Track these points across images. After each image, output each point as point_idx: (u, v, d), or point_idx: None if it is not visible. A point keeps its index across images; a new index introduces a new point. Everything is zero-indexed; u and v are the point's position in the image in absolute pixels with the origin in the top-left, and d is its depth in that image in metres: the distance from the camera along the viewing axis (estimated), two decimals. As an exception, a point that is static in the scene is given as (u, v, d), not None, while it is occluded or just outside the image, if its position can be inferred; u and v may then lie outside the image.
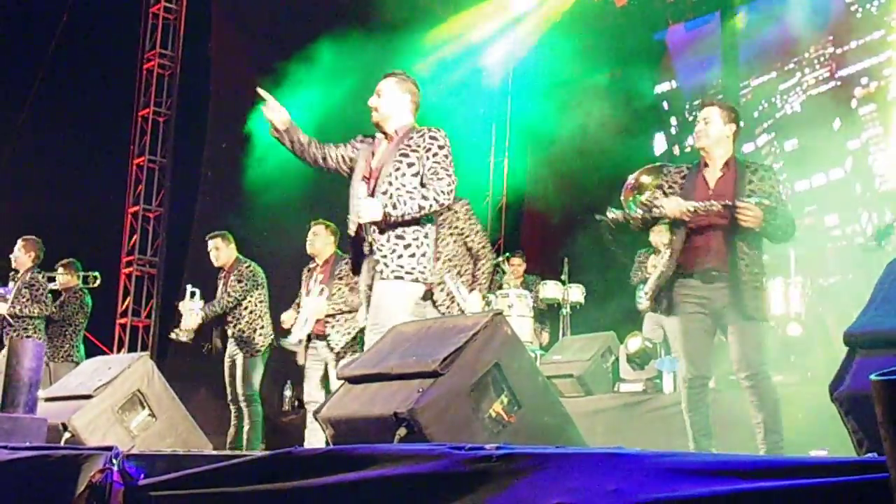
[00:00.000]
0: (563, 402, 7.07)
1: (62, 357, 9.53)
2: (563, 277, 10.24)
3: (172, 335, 8.71)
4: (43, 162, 13.15)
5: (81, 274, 10.06)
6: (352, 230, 5.57)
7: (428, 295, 6.39)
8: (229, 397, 8.67)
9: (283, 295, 8.73)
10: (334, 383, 7.86)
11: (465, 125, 12.40)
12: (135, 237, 13.89)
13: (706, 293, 5.51)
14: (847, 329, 3.30)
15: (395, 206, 5.35)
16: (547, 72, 12.68)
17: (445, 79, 12.68)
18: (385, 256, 5.40)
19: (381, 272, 5.40)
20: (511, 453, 2.04)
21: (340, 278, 8.01)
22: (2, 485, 3.60)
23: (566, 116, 11.97)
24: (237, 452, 4.28)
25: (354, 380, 4.68)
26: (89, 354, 9.95)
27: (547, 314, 10.71)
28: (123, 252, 13.90)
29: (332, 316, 7.94)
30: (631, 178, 5.76)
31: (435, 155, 5.50)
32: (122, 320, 13.75)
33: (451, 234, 7.04)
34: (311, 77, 11.17)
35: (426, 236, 5.51)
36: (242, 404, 8.58)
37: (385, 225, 5.41)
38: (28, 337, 9.08)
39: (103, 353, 12.03)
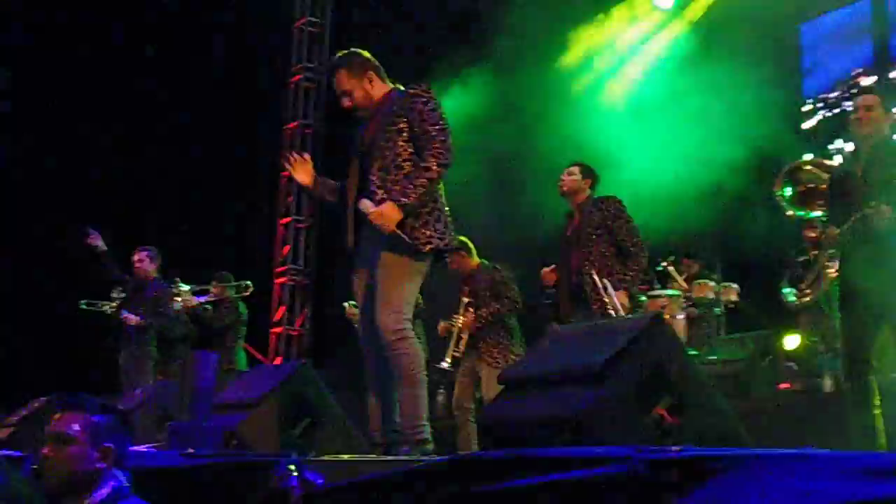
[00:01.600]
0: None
1: (224, 366, 9.73)
2: (715, 277, 10.08)
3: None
4: (195, 176, 13.53)
5: (234, 284, 10.31)
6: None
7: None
8: None
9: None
10: (486, 388, 7.90)
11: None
12: (286, 248, 14.19)
13: None
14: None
15: (405, 194, 4.97)
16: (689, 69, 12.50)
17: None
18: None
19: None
20: (697, 455, 2.03)
21: (483, 289, 8.07)
22: (182, 491, 3.72)
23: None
24: (414, 458, 4.34)
25: (515, 384, 4.70)
26: (248, 365, 10.24)
27: (702, 314, 10.53)
28: (276, 263, 14.21)
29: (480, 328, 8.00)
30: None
31: (421, 113, 5.12)
32: (277, 329, 14.05)
33: (599, 231, 6.99)
34: (456, 91, 11.25)
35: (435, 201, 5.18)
36: None
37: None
38: (146, 348, 9.32)
39: (259, 362, 12.31)
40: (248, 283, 10.35)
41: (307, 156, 5.57)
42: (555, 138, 10.45)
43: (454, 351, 8.07)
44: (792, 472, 1.82)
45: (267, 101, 14.30)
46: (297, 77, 14.34)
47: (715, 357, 8.73)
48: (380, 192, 5.03)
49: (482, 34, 12.39)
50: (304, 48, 14.40)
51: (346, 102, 5.36)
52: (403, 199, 4.97)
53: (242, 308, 10.31)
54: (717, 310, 9.99)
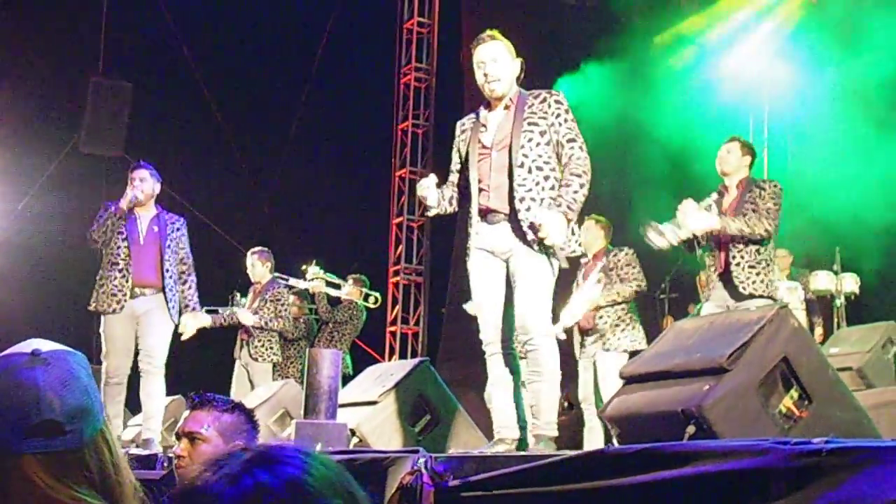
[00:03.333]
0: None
1: None
2: (835, 268, 9.89)
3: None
4: (310, 178, 13.74)
5: (365, 291, 10.44)
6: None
7: None
8: None
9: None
10: (602, 379, 7.84)
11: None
12: (400, 247, 14.31)
13: None
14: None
15: (571, 208, 4.98)
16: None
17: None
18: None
19: None
20: (842, 447, 2.00)
21: (611, 269, 8.02)
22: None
23: (827, 108, 11.59)
24: (546, 452, 4.35)
25: (637, 378, 4.68)
26: (362, 363, 10.33)
27: (819, 306, 10.35)
28: (390, 262, 14.34)
29: (603, 307, 7.96)
30: None
31: (566, 121, 5.14)
32: (392, 328, 14.19)
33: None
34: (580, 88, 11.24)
35: None
36: None
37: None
38: (266, 350, 9.47)
39: (375, 361, 12.44)
40: (378, 295, 10.47)
41: (433, 176, 5.52)
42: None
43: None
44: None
45: (380, 102, 14.45)
46: (408, 77, 14.45)
47: (836, 349, 8.55)
48: (527, 196, 5.05)
49: (589, 30, 12.39)
50: (412, 49, 14.50)
51: (493, 74, 5.16)
52: (571, 213, 5.02)
53: (363, 315, 10.42)
54: (837, 301, 9.81)
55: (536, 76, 12.52)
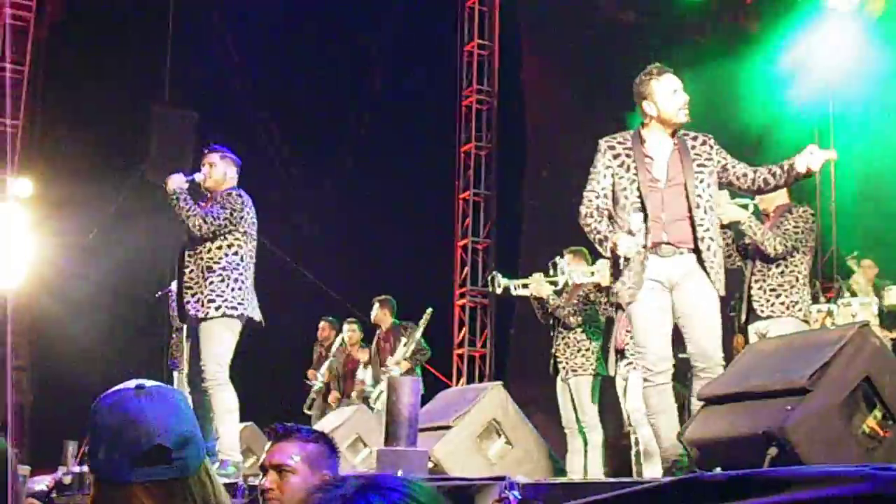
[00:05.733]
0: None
1: None
2: (906, 281, 9.73)
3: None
4: (374, 202, 13.81)
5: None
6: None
7: None
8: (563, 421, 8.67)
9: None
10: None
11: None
12: (465, 269, 14.32)
13: None
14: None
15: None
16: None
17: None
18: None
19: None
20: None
21: None
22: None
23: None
24: (636, 479, 4.34)
25: (715, 400, 4.64)
26: (431, 387, 10.34)
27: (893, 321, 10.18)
28: (456, 284, 14.36)
29: None
30: None
31: (727, 162, 5.48)
32: (460, 351, 14.19)
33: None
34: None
35: None
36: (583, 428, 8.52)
37: None
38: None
39: (444, 385, 12.45)
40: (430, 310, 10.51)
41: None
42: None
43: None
44: None
45: (443, 124, 14.50)
46: (470, 99, 14.49)
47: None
48: (706, 236, 5.31)
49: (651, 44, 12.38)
50: (473, 70, 14.54)
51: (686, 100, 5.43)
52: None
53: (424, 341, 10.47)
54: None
55: (599, 98, 12.60)
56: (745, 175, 5.47)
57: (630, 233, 5.25)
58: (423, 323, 10.15)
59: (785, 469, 2.44)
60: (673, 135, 5.45)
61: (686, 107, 5.39)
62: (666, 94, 5.39)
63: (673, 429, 5.22)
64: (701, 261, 5.29)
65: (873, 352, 4.20)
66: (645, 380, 5.37)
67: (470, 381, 13.75)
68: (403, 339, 10.18)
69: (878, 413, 4.10)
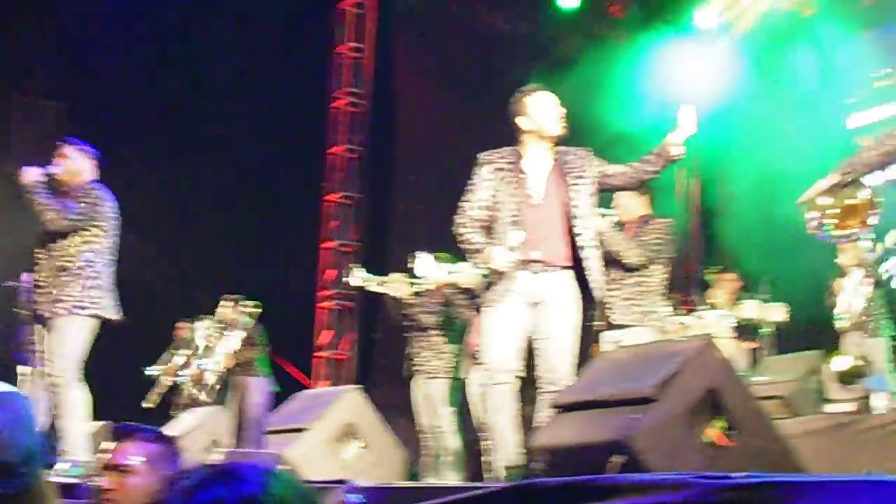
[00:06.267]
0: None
1: None
2: (764, 297, 10.00)
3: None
4: (241, 202, 13.63)
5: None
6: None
7: None
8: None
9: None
10: None
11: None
12: (328, 272, 14.19)
13: None
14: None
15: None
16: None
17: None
18: None
19: None
20: (763, 482, 2.03)
21: None
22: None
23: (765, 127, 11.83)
24: (476, 484, 4.36)
25: (567, 407, 4.71)
26: (291, 388, 10.23)
27: (749, 335, 10.45)
28: (319, 287, 14.23)
29: None
30: None
31: (605, 176, 5.63)
32: (323, 353, 14.08)
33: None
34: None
35: None
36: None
37: None
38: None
39: (305, 387, 12.35)
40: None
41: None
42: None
43: None
44: (858, 499, 1.81)
45: (310, 126, 14.37)
46: (341, 101, 14.40)
47: (764, 378, 8.64)
48: (586, 246, 5.44)
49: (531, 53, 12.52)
50: (345, 73, 14.45)
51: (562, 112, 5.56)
52: None
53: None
54: (765, 329, 9.91)
55: (472, 105, 12.66)
56: (623, 172, 5.63)
57: (511, 249, 5.33)
58: (244, 315, 9.96)
59: (616, 476, 2.48)
60: (551, 149, 5.56)
61: (562, 119, 5.52)
62: (541, 107, 5.53)
63: (511, 431, 5.30)
64: (581, 273, 5.42)
65: (717, 364, 4.30)
66: (485, 381, 5.46)
67: (335, 384, 13.64)
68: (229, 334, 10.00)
69: (721, 423, 4.19)
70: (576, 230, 5.42)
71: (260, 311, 9.91)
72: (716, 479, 2.10)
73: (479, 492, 2.69)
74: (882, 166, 4.97)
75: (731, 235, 12.23)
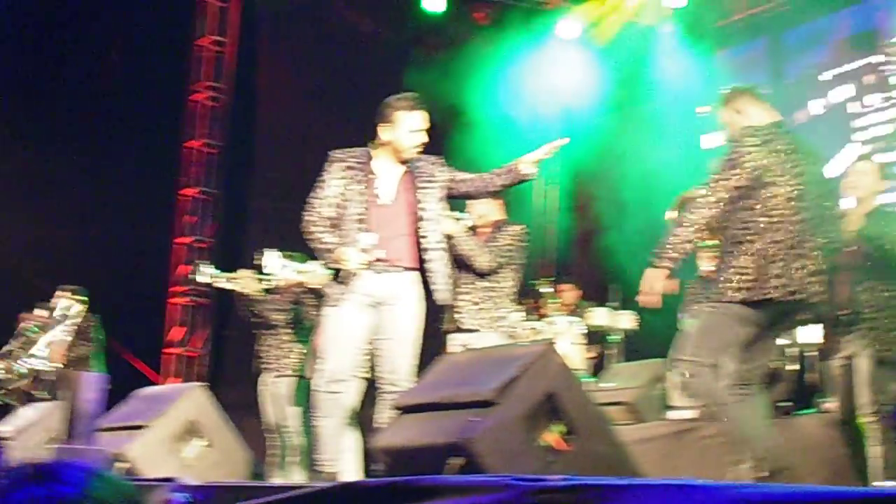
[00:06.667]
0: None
1: None
2: (614, 304, 10.18)
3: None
4: (94, 193, 13.27)
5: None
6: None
7: None
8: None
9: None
10: None
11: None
12: (180, 267, 13.92)
13: None
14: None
15: None
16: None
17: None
18: None
19: None
20: (578, 484, 2.04)
21: None
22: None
23: (613, 141, 12.06)
24: (299, 484, 4.31)
25: (409, 409, 4.70)
26: (138, 385, 10.01)
27: (599, 342, 10.63)
28: (170, 283, 13.96)
29: None
30: None
31: (454, 182, 5.70)
32: (174, 350, 13.82)
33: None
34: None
35: None
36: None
37: None
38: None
39: (154, 383, 12.11)
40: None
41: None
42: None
43: None
44: (672, 501, 1.83)
45: (168, 119, 14.09)
46: (200, 95, 14.15)
47: (611, 384, 8.79)
48: (431, 248, 5.49)
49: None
50: (206, 66, 14.20)
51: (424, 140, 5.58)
52: None
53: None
54: (614, 337, 10.08)
55: (333, 104, 12.58)
56: (472, 180, 5.68)
57: (363, 250, 5.33)
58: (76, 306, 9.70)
59: (437, 478, 2.47)
60: (402, 161, 5.59)
61: (421, 146, 5.55)
62: (408, 129, 5.53)
63: (334, 437, 5.34)
64: (426, 275, 5.45)
65: (558, 369, 4.35)
66: (317, 386, 5.44)
67: (186, 382, 13.39)
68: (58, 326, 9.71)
69: (559, 428, 4.23)
70: (421, 233, 5.46)
71: (87, 302, 9.67)
72: (533, 482, 2.11)
73: (301, 492, 2.66)
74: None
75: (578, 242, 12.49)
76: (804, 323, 5.23)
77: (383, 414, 5.23)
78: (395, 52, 13.01)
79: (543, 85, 13.14)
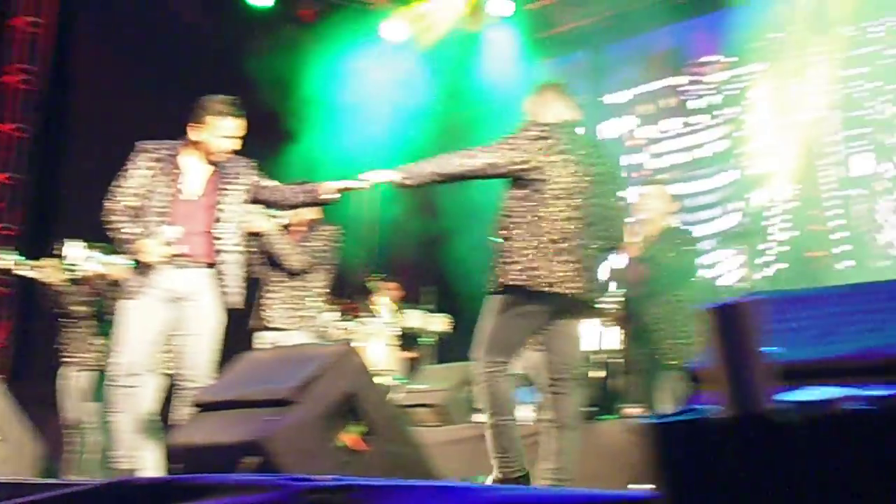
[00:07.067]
0: (423, 432, 7.13)
1: None
2: (428, 307, 10.27)
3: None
4: None
5: None
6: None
7: None
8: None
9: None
10: None
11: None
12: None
13: None
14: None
15: None
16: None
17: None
18: None
19: None
20: (348, 485, 2.05)
21: None
22: None
23: (437, 146, 12.15)
24: (69, 481, 4.21)
25: (207, 406, 4.64)
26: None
27: (412, 343, 10.70)
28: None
29: None
30: None
31: (256, 186, 5.69)
32: (-28, 341, 13.30)
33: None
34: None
35: None
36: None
37: None
38: None
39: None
40: None
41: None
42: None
43: None
44: (436, 502, 1.85)
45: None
46: (12, 77, 13.65)
47: (421, 386, 8.86)
48: (227, 250, 5.47)
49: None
50: (19, 48, 13.70)
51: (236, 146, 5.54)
52: None
53: None
54: (427, 339, 10.17)
55: (149, 94, 12.31)
56: (278, 189, 5.67)
57: (167, 243, 5.26)
58: None
59: (215, 476, 2.44)
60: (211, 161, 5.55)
61: (230, 152, 5.52)
62: (221, 134, 5.49)
63: (130, 432, 5.27)
64: (220, 275, 5.41)
65: (358, 369, 4.36)
66: (112, 378, 5.35)
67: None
68: None
69: (357, 428, 4.24)
70: (216, 234, 5.44)
71: None
72: (304, 482, 2.10)
73: (74, 489, 2.59)
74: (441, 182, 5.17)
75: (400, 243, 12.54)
76: (581, 316, 5.30)
77: (181, 410, 5.16)
78: (219, 46, 12.82)
79: (369, 87, 13.14)
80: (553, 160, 4.96)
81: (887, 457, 1.28)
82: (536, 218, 4.91)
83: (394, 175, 5.08)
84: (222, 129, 5.47)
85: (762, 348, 1.43)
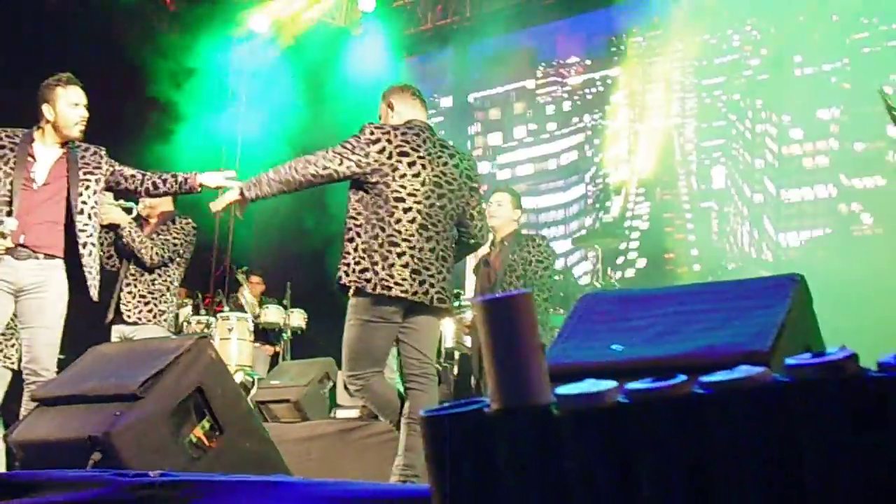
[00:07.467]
0: (279, 428, 7.08)
1: None
2: (285, 302, 10.22)
3: None
4: None
5: None
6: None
7: None
8: None
9: None
10: None
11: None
12: None
13: None
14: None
15: None
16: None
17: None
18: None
19: None
20: (175, 480, 2.03)
21: None
22: None
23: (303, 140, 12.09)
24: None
25: (50, 401, 4.52)
26: None
27: (270, 338, 10.64)
28: None
29: None
30: None
31: (114, 173, 5.61)
32: None
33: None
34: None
35: None
36: None
37: None
38: None
39: None
40: None
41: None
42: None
43: None
44: (262, 499, 1.85)
45: None
46: None
47: (278, 381, 8.79)
48: (88, 241, 5.36)
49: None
50: None
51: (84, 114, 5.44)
52: None
53: None
54: (285, 335, 10.11)
55: (16, 79, 11.92)
56: (133, 176, 5.56)
57: (2, 235, 5.12)
58: None
59: (44, 472, 2.40)
60: (64, 145, 5.43)
61: (83, 123, 5.40)
62: (67, 104, 5.38)
63: None
64: (80, 266, 5.28)
65: (208, 364, 4.29)
66: None
67: None
68: None
69: (206, 424, 4.18)
70: (78, 226, 5.32)
71: None
72: (134, 477, 2.08)
73: None
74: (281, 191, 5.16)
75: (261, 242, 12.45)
76: (432, 316, 5.31)
77: (29, 405, 5.03)
78: (84, 30, 12.51)
79: (232, 79, 13.02)
80: (394, 163, 4.96)
81: (632, 447, 1.33)
82: (378, 220, 4.91)
83: (239, 195, 5.05)
84: (68, 99, 5.37)
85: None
